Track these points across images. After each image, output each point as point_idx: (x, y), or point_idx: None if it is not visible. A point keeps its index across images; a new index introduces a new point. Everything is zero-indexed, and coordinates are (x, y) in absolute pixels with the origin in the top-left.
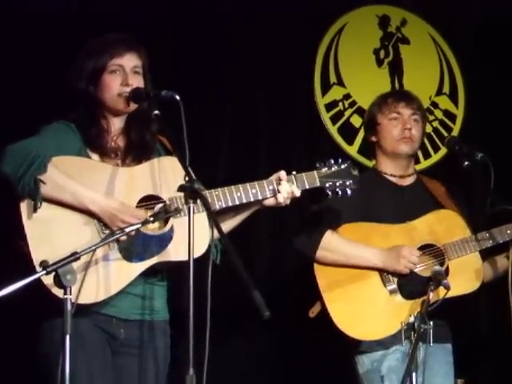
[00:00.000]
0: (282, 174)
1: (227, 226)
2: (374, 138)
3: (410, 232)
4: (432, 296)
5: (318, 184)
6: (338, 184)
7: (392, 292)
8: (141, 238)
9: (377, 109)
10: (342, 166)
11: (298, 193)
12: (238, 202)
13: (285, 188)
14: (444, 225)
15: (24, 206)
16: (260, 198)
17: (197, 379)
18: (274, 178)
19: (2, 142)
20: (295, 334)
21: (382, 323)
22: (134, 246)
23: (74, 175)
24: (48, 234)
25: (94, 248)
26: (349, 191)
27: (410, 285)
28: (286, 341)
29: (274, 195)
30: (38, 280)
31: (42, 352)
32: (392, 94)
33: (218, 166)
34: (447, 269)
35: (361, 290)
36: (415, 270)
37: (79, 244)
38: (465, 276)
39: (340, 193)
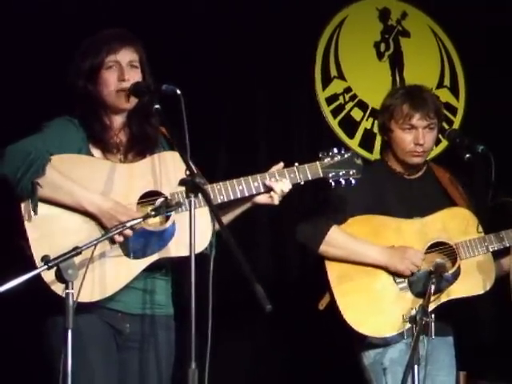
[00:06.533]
0: (280, 165)
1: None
2: (385, 138)
3: (422, 228)
4: (442, 296)
5: (321, 175)
6: (341, 174)
7: (402, 289)
8: (141, 234)
9: (390, 114)
10: (345, 156)
11: (286, 188)
12: (239, 196)
13: (278, 186)
14: (457, 222)
15: (25, 206)
16: (262, 190)
17: (199, 373)
18: (275, 169)
19: (2, 140)
20: (299, 327)
21: (392, 321)
22: (135, 243)
23: (73, 173)
24: (49, 233)
25: (96, 242)
26: (352, 181)
27: (420, 282)
28: (289, 334)
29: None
30: (39, 276)
31: (46, 347)
32: (407, 100)
33: (217, 161)
34: (459, 268)
35: (371, 285)
36: (423, 268)
37: (80, 243)
38: (476, 277)
39: (343, 183)
